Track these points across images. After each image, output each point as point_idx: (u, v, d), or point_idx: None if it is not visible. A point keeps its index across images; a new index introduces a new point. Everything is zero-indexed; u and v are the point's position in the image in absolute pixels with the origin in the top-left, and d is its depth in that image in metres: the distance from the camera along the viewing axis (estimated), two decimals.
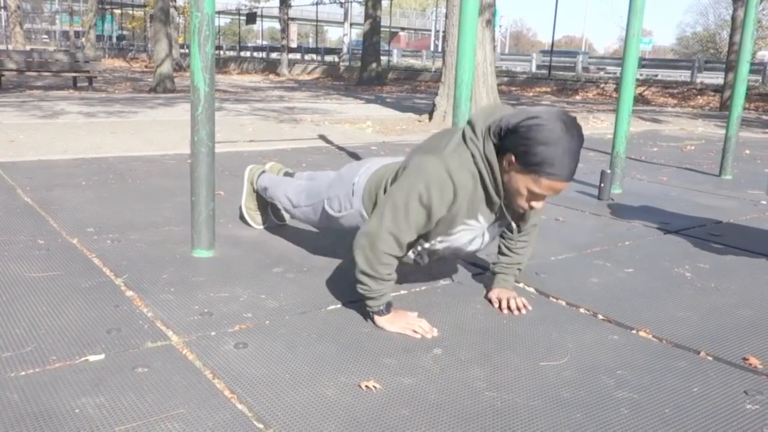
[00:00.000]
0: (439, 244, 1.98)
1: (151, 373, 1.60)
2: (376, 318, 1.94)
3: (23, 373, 1.57)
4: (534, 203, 1.82)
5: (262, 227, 2.96)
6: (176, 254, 2.54)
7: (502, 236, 2.18)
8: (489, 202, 1.89)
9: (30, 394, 1.47)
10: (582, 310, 2.13)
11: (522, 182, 1.77)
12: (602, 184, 3.89)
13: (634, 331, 1.97)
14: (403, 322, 1.92)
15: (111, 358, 1.66)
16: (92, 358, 1.66)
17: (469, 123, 1.86)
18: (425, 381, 1.62)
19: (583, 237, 3.04)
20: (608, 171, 3.93)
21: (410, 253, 2.04)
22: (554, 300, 2.22)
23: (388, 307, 1.93)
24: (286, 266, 2.45)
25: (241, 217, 3.05)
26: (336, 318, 1.99)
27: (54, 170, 4.21)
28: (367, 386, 1.57)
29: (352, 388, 1.57)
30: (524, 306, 2.10)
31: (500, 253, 2.20)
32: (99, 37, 33.08)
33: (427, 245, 1.99)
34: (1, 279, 2.20)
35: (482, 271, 2.47)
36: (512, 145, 1.73)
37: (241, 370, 1.63)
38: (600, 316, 2.09)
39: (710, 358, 1.81)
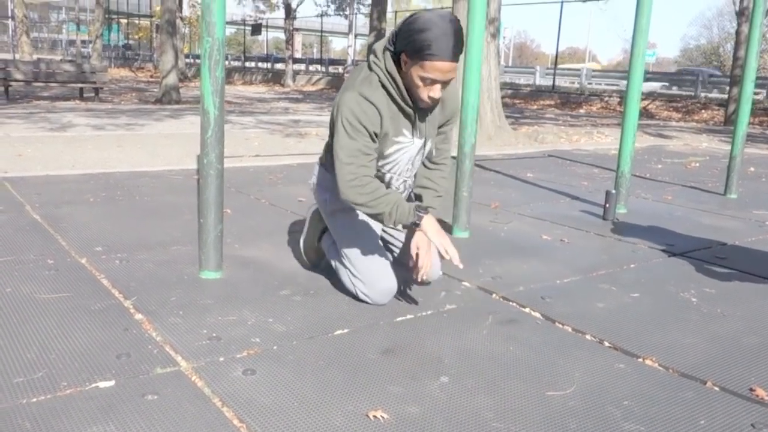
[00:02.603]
0: (384, 170, 2.24)
1: (161, 400, 1.61)
2: (423, 221, 2.09)
3: (34, 399, 1.58)
4: (431, 93, 2.05)
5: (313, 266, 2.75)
6: (184, 275, 2.56)
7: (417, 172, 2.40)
8: (404, 113, 2.14)
9: (42, 422, 1.49)
10: (588, 337, 2.14)
11: (414, 73, 2.02)
12: (607, 205, 3.90)
13: (640, 359, 1.98)
14: (444, 239, 2.08)
15: (121, 385, 1.68)
16: (102, 384, 1.67)
17: (371, 50, 2.14)
18: (432, 410, 1.63)
19: (588, 259, 3.05)
20: (613, 191, 3.94)
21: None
22: (560, 326, 2.23)
23: (424, 212, 2.10)
24: (293, 288, 2.46)
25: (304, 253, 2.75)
26: (343, 343, 2.00)
27: (62, 186, 4.24)
28: (375, 416, 1.58)
29: (359, 416, 1.58)
30: (446, 253, 2.08)
31: (417, 185, 2.40)
32: (105, 47, 33.27)
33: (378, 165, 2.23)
34: (13, 300, 2.22)
35: (487, 294, 2.49)
36: (400, 43, 2.02)
37: (249, 398, 1.64)
38: (606, 343, 2.09)
39: (717, 388, 1.81)
